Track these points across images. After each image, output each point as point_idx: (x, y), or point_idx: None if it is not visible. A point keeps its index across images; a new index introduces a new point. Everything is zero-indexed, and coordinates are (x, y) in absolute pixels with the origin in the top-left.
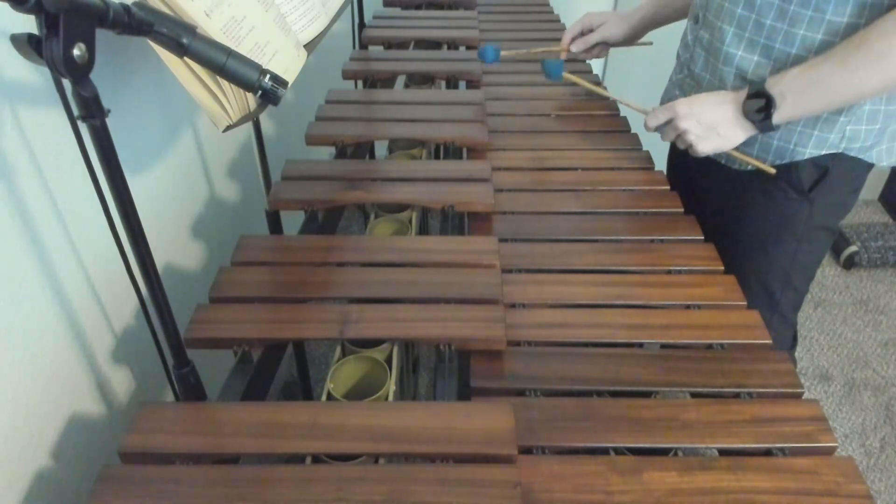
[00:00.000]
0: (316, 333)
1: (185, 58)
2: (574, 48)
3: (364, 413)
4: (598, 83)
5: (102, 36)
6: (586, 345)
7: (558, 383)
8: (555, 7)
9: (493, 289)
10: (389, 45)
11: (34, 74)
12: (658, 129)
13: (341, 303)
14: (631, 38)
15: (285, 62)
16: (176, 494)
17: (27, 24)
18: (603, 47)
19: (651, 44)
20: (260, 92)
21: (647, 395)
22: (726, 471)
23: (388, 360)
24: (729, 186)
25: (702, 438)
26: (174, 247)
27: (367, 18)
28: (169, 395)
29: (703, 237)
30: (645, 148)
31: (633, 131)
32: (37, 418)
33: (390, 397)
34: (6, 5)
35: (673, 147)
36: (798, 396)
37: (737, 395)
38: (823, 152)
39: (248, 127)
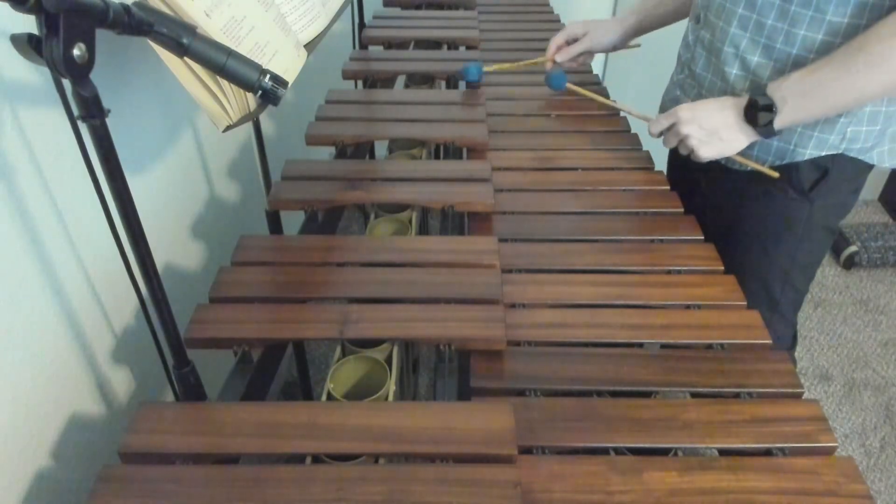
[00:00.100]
0: (316, 333)
1: (185, 58)
2: (559, 58)
3: (364, 413)
4: (600, 87)
5: (102, 36)
6: (586, 345)
7: (558, 383)
8: (555, 7)
9: (493, 289)
10: (389, 45)
11: (34, 74)
12: (661, 134)
13: (341, 303)
14: (615, 47)
15: (285, 62)
16: (176, 494)
17: (27, 24)
18: (588, 55)
19: (639, 45)
20: (260, 92)
21: (647, 395)
22: (726, 471)
23: (388, 360)
24: (729, 186)
25: (702, 438)
26: (174, 247)
27: (367, 18)
28: (169, 395)
29: (703, 237)
30: (645, 148)
31: (633, 131)
32: (37, 418)
33: (390, 397)
34: (6, 5)
35: (673, 150)
36: (798, 396)
37: (737, 395)
38: (824, 153)
39: (248, 127)
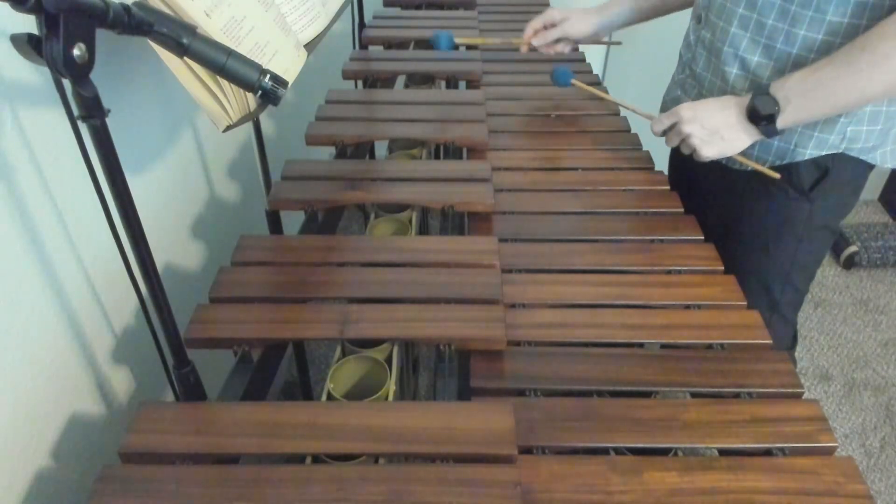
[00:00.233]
0: (316, 333)
1: (185, 58)
2: (535, 42)
3: (364, 413)
4: (600, 87)
5: (102, 36)
6: (586, 345)
7: (558, 383)
8: (554, 6)
9: (493, 289)
10: (389, 45)
11: (34, 74)
12: (663, 133)
13: (341, 303)
14: (594, 37)
15: (285, 62)
16: (176, 494)
17: (27, 24)
18: (566, 43)
19: (620, 43)
20: (260, 92)
21: (647, 395)
22: (726, 471)
23: (388, 360)
24: (729, 186)
25: (702, 438)
26: (174, 247)
27: (367, 18)
28: (169, 395)
29: (703, 237)
30: (645, 148)
31: (633, 131)
32: (37, 418)
33: (390, 397)
34: (6, 5)
35: (675, 148)
36: (798, 396)
37: (737, 395)
38: (824, 153)
39: (248, 127)
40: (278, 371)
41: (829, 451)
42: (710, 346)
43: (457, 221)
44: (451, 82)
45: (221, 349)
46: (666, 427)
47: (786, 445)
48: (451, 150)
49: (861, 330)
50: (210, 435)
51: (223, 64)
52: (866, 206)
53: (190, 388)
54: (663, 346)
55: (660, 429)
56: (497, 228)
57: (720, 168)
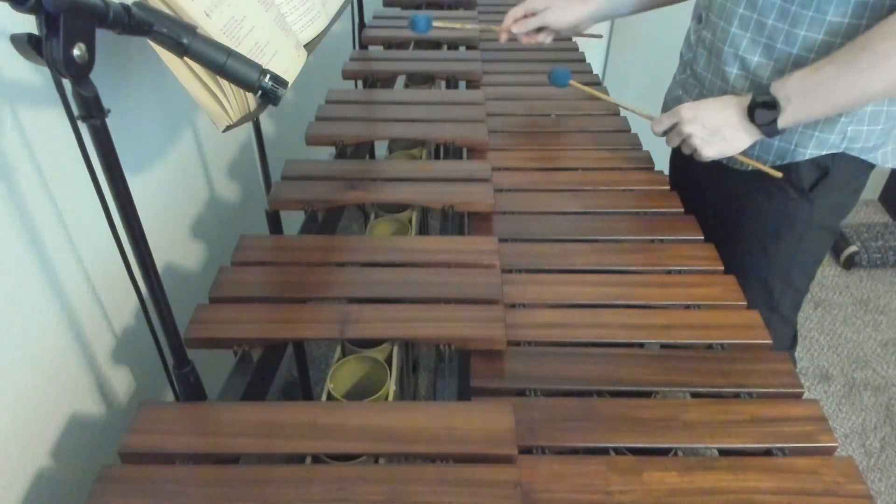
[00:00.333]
0: (316, 333)
1: (185, 58)
2: (515, 30)
3: (364, 413)
4: (600, 87)
5: (102, 36)
6: (586, 345)
7: (558, 383)
8: None
9: (493, 289)
10: (389, 45)
11: (34, 74)
12: (664, 133)
13: (341, 303)
14: (575, 28)
15: (285, 62)
16: (176, 494)
17: (27, 24)
18: (547, 33)
19: (601, 37)
20: (260, 92)
21: (647, 395)
22: (726, 471)
23: (388, 360)
24: (729, 185)
25: (702, 438)
26: (174, 247)
27: (367, 18)
28: (169, 395)
29: (703, 237)
30: (645, 148)
31: (633, 131)
32: (37, 418)
33: (390, 397)
34: (6, 5)
35: (676, 147)
36: (798, 396)
37: (737, 395)
38: (824, 152)
39: (248, 127)
40: (278, 371)
41: (829, 451)
42: (710, 346)
43: (457, 221)
44: (451, 82)
45: (221, 349)
46: (666, 427)
47: (786, 445)
48: (451, 150)
49: (861, 330)
50: (210, 435)
51: (223, 64)
52: (866, 206)
53: (190, 388)
54: (663, 346)
55: (660, 429)
56: (497, 228)
57: (721, 168)
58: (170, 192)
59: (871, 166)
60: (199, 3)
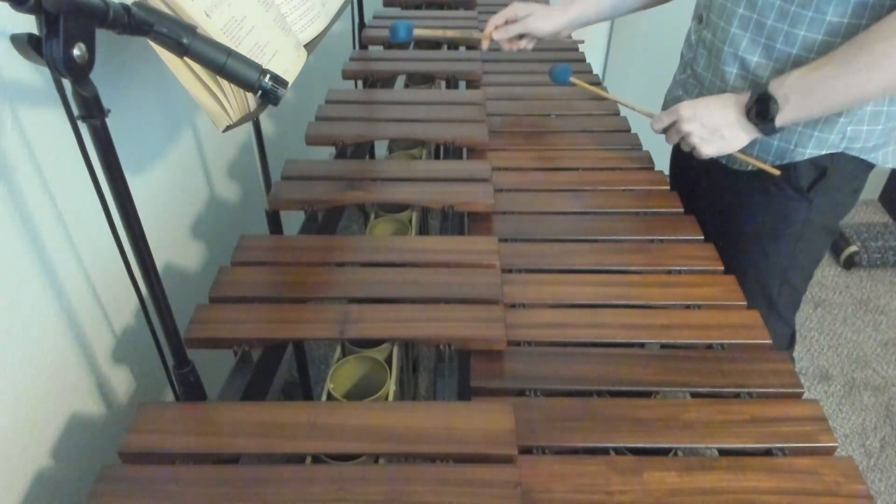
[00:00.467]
0: (316, 333)
1: (185, 58)
2: (496, 36)
3: (364, 413)
4: (600, 87)
5: (102, 36)
6: (586, 345)
7: (558, 383)
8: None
9: (493, 289)
10: (389, 45)
11: (34, 74)
12: (664, 131)
13: (341, 303)
14: (556, 34)
15: (285, 62)
16: (176, 494)
17: (27, 24)
18: (529, 39)
19: (582, 41)
20: (260, 92)
21: (647, 395)
22: (726, 471)
23: (388, 360)
24: (728, 185)
25: (702, 438)
26: (174, 247)
27: (367, 18)
28: (169, 395)
29: (703, 237)
30: (645, 148)
31: (633, 131)
32: (37, 418)
33: (390, 397)
34: (6, 5)
35: (676, 147)
36: (798, 396)
37: (737, 395)
38: (824, 152)
39: (248, 127)
40: (278, 371)
41: (829, 451)
42: (710, 346)
43: (457, 221)
44: (451, 82)
45: (221, 349)
46: (666, 427)
47: (786, 445)
48: (451, 150)
49: (861, 330)
50: (210, 435)
51: (223, 64)
52: (866, 206)
53: (190, 388)
54: (663, 346)
55: (660, 429)
56: (497, 228)
57: (719, 167)
58: (170, 192)
59: (871, 166)
60: (199, 3)
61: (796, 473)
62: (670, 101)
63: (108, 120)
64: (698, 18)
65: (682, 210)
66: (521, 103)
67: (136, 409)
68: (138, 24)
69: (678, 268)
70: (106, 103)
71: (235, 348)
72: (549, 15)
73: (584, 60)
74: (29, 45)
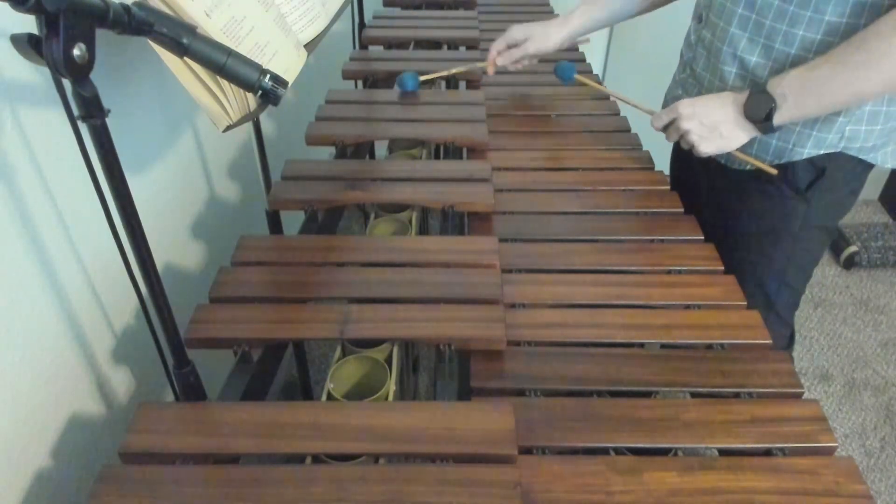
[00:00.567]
0: (316, 333)
1: (185, 58)
2: (500, 62)
3: (364, 413)
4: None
5: (102, 36)
6: (586, 345)
7: (558, 383)
8: (555, 7)
9: (493, 289)
10: (389, 45)
11: (34, 74)
12: (664, 129)
13: (341, 303)
14: (557, 49)
15: (285, 62)
16: (176, 494)
17: (27, 24)
18: (532, 57)
19: (588, 41)
20: (260, 92)
21: (647, 395)
22: (726, 471)
23: (388, 360)
24: (727, 185)
25: (702, 438)
26: (174, 247)
27: (367, 18)
28: (169, 395)
29: (703, 237)
30: (645, 148)
31: (633, 131)
32: (37, 418)
33: (390, 397)
34: (6, 5)
35: (676, 147)
36: (798, 396)
37: (737, 395)
38: (822, 152)
39: (248, 127)
40: (278, 371)
41: (829, 451)
42: (710, 346)
43: (457, 221)
44: (451, 82)
45: (221, 349)
46: (666, 427)
47: (786, 445)
48: (451, 150)
49: (861, 330)
50: (210, 435)
51: (223, 64)
52: (866, 206)
53: (190, 388)
54: (663, 346)
55: (660, 429)
56: (497, 228)
57: (718, 167)
58: (170, 192)
59: (869, 166)
60: (199, 3)
61: (796, 473)
62: (670, 101)
63: (108, 120)
64: (698, 18)
65: (682, 210)
66: (521, 103)
67: (136, 409)
68: (138, 24)
69: (678, 268)
70: (106, 103)
71: (235, 348)
72: (548, 34)
73: (584, 60)
74: (29, 45)
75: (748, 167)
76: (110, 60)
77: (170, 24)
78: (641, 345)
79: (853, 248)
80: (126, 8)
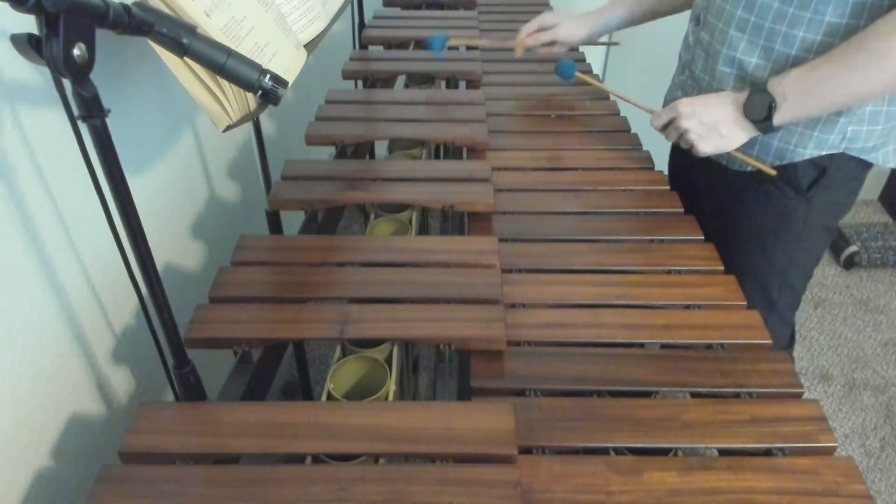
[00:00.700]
0: (316, 333)
1: (185, 58)
2: (528, 42)
3: (364, 413)
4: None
5: (102, 36)
6: (586, 345)
7: (558, 383)
8: (554, 6)
9: (493, 289)
10: (389, 45)
11: (34, 74)
12: (664, 128)
13: (341, 303)
14: (585, 42)
15: (285, 62)
16: (176, 494)
17: (27, 24)
18: (561, 45)
19: (618, 44)
20: (260, 92)
21: (647, 395)
22: (726, 471)
23: (388, 360)
24: (727, 185)
25: (702, 438)
26: (174, 247)
27: (367, 18)
28: (169, 395)
29: (703, 237)
30: (645, 148)
31: (633, 131)
32: (37, 418)
33: (390, 397)
34: (6, 5)
35: (675, 147)
36: (798, 396)
37: (737, 395)
38: (824, 153)
39: (248, 127)
40: (278, 371)
41: (829, 451)
42: (710, 346)
43: (457, 221)
44: (451, 82)
45: (221, 349)
46: (666, 427)
47: (786, 445)
48: (451, 150)
49: (861, 330)
50: (210, 435)
51: (223, 64)
52: (866, 206)
53: (190, 388)
54: (663, 346)
55: (660, 429)
56: (497, 228)
57: (719, 167)
58: (170, 192)
59: (869, 166)
60: (199, 3)
61: (796, 473)
62: (669, 103)
63: (108, 120)
64: (696, 20)
65: (682, 210)
66: (521, 103)
67: (136, 409)
68: (138, 24)
69: (678, 268)
70: (106, 103)
71: (235, 348)
72: (578, 24)
73: (583, 60)
74: (29, 45)
75: (748, 168)
76: (110, 60)
77: (170, 24)
78: (641, 345)
79: (853, 248)
80: (126, 8)
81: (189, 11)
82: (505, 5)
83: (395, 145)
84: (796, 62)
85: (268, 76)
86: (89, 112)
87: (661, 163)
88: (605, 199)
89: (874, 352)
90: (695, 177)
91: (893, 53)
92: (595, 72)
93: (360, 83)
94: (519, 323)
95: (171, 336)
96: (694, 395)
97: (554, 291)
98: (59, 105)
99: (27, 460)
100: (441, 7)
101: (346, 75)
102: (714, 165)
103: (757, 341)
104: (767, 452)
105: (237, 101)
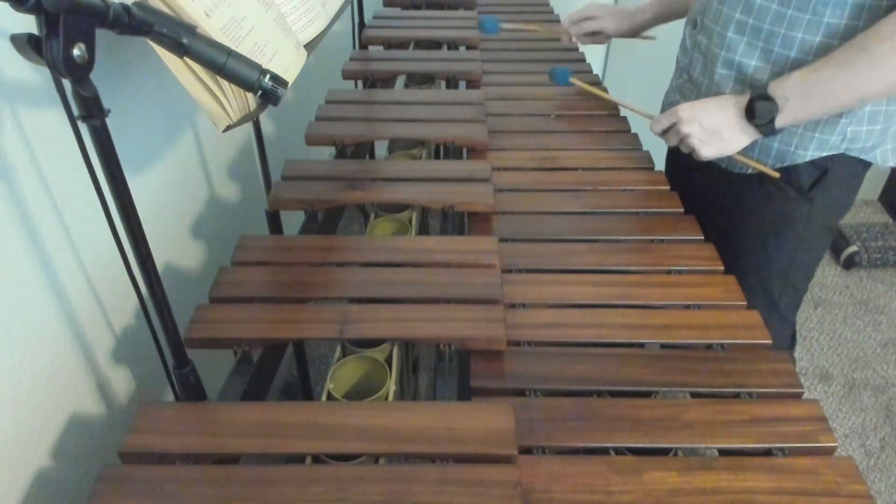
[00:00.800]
0: (316, 333)
1: (185, 58)
2: (573, 31)
3: (364, 413)
4: (599, 87)
5: (102, 36)
6: (586, 345)
7: (558, 383)
8: (555, 7)
9: (493, 289)
10: (389, 45)
11: (34, 74)
12: (663, 133)
13: (341, 303)
14: (627, 35)
15: (285, 62)
16: (176, 494)
17: (27, 24)
18: (602, 36)
19: (654, 38)
20: (260, 92)
21: (647, 395)
22: (726, 471)
23: (388, 360)
24: (728, 186)
25: (702, 438)
26: (174, 247)
27: (367, 18)
28: (169, 395)
29: (703, 237)
30: (645, 148)
31: (633, 131)
32: (37, 418)
33: (390, 397)
34: (6, 5)
35: (671, 150)
36: (798, 396)
37: (737, 395)
38: (824, 154)
39: (248, 127)
40: (278, 371)
41: (829, 451)
42: (710, 346)
43: (457, 221)
44: (451, 82)
45: (221, 349)
46: (666, 427)
47: (786, 445)
48: (451, 150)
49: (861, 330)
50: (210, 435)
51: (223, 64)
52: (866, 206)
53: (190, 388)
54: (663, 346)
55: (660, 429)
56: (497, 228)
57: (719, 169)
58: (170, 192)
59: (868, 165)
60: (199, 3)
61: (796, 473)
62: (667, 107)
63: (108, 120)
64: (692, 23)
65: (682, 210)
66: (521, 103)
67: (136, 410)
68: (138, 24)
69: (678, 268)
70: (106, 103)
71: (235, 348)
72: (620, 19)
73: (583, 60)
74: (29, 45)
75: (749, 170)
76: (110, 60)
77: (170, 24)
78: (641, 345)
79: (853, 248)
80: (126, 8)
81: (189, 11)
82: (505, 5)
83: (395, 145)
84: (795, 64)
85: (268, 76)
86: (89, 112)
87: (661, 163)
88: (604, 199)
89: (874, 352)
90: (694, 177)
91: (895, 54)
92: (595, 72)
93: (360, 83)
94: (519, 323)
95: (171, 336)
96: (694, 395)
97: (554, 291)
98: (59, 105)
99: (27, 460)
100: (441, 7)
101: (346, 75)
102: (713, 168)
103: (757, 341)
104: (767, 452)
105: (237, 101)
